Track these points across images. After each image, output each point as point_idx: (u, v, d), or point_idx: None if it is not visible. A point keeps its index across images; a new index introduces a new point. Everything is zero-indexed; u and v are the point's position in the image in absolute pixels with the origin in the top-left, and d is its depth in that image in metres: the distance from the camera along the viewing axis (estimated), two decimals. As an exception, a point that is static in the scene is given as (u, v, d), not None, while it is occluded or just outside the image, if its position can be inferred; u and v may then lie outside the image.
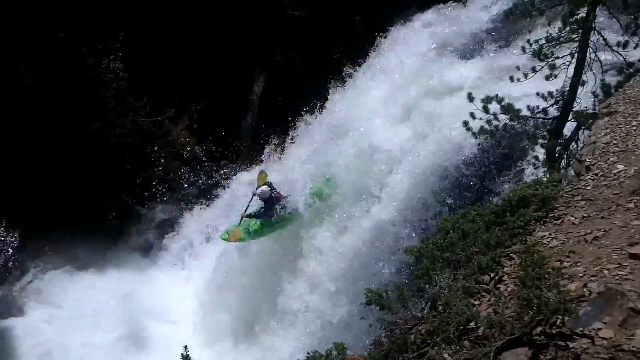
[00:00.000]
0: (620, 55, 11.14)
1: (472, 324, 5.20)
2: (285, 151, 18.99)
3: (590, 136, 8.39)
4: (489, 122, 11.24)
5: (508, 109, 11.08)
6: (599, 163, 7.31)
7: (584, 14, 10.80)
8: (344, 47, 19.90)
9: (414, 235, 13.03)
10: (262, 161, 19.78)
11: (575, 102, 11.20)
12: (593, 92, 11.07)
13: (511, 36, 15.26)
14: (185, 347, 6.55)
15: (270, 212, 15.20)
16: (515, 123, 11.21)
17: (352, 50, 19.46)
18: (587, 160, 7.53)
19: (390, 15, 18.85)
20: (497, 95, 11.13)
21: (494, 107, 11.16)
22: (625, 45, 11.01)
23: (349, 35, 20.11)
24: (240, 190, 19.17)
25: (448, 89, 14.99)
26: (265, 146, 20.04)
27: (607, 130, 8.04)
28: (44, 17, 16.15)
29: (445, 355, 5.07)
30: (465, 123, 11.45)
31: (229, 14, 19.28)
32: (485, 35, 16.32)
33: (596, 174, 7.09)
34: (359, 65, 18.30)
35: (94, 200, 17.65)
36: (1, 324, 16.07)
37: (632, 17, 11.03)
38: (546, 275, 4.84)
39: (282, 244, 15.65)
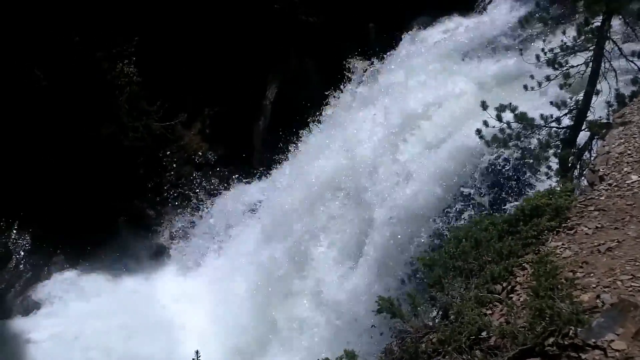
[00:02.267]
0: (635, 64, 11.10)
1: (484, 334, 5.17)
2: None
3: (604, 146, 8.36)
4: (502, 130, 11.21)
5: (521, 117, 11.05)
6: (613, 173, 7.28)
7: (599, 23, 10.77)
8: (358, 53, 19.95)
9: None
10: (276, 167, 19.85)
11: (589, 112, 11.16)
12: (607, 102, 11.02)
13: (525, 45, 15.22)
14: (197, 352, 6.57)
15: None
16: (529, 132, 11.19)
17: (365, 56, 19.56)
18: (601, 170, 7.50)
19: (405, 23, 18.90)
20: (510, 103, 11.10)
21: (507, 115, 11.14)
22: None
23: (362, 42, 20.14)
24: (252, 197, 19.29)
25: (458, 97, 15.04)
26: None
27: (621, 140, 8.01)
28: (60, 21, 16.26)
29: (457, 365, 5.06)
30: (479, 131, 11.43)
31: (243, 19, 19.34)
32: (499, 43, 16.29)
33: (610, 184, 7.06)
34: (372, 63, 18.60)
35: (105, 204, 17.70)
36: (12, 326, 16.17)
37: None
38: (559, 286, 4.82)
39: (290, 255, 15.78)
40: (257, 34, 19.49)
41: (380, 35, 19.72)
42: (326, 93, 19.59)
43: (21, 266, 17.21)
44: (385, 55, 18.80)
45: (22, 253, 17.28)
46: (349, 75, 19.65)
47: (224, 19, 19.16)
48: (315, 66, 20.16)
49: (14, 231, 17.17)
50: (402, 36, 18.72)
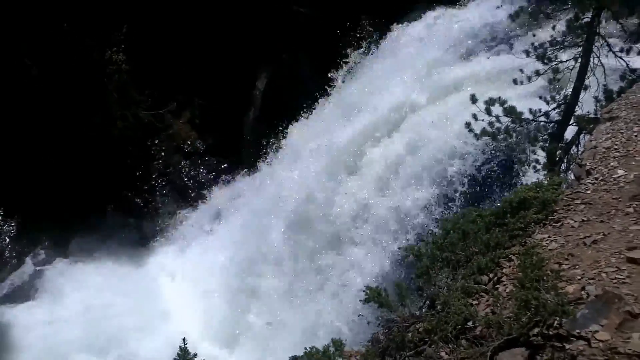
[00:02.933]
0: (624, 61, 11.18)
1: (470, 324, 5.23)
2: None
3: (591, 140, 8.41)
4: (491, 124, 11.28)
5: (510, 111, 11.12)
6: (600, 167, 7.34)
7: (588, 19, 10.84)
8: (350, 46, 19.98)
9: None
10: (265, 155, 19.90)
11: (577, 107, 11.25)
12: (595, 97, 11.11)
13: (515, 39, 15.29)
14: (184, 339, 6.59)
15: None
16: (517, 125, 11.26)
17: (358, 49, 19.63)
18: (588, 164, 7.55)
19: (397, 14, 18.94)
20: (499, 97, 11.17)
21: (496, 109, 11.22)
22: (628, 51, 11.09)
23: (354, 33, 20.17)
24: (241, 185, 19.32)
25: (449, 90, 15.13)
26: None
27: (609, 135, 8.06)
28: (49, 8, 16.16)
29: (443, 354, 5.10)
30: (468, 124, 11.50)
31: (235, 9, 19.28)
32: (490, 37, 16.35)
33: (596, 178, 7.12)
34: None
35: (93, 192, 17.64)
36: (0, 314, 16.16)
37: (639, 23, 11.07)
38: (545, 277, 4.87)
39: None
40: (249, 24, 19.44)
41: (372, 26, 19.77)
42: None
43: (6, 252, 17.12)
44: (376, 47, 18.93)
45: (7, 240, 17.19)
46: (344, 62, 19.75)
47: (215, 8, 19.09)
48: (307, 57, 20.15)
49: (0, 217, 17.10)
50: (391, 29, 18.82)
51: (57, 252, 17.81)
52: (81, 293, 16.66)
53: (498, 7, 16.81)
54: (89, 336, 15.41)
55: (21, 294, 16.79)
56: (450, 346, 5.10)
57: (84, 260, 17.77)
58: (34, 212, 17.03)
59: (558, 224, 6.36)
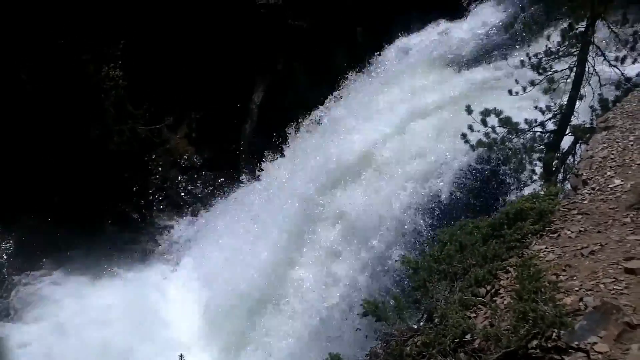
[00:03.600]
0: (619, 69, 11.20)
1: (468, 337, 5.19)
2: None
3: (587, 150, 8.41)
4: (487, 134, 11.28)
5: (506, 122, 11.13)
6: (596, 177, 7.33)
7: (583, 29, 10.86)
8: (346, 57, 20.01)
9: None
10: (261, 169, 19.88)
11: (573, 116, 11.25)
12: (591, 107, 11.12)
13: (510, 50, 15.33)
14: (181, 356, 6.56)
15: None
16: (513, 136, 11.26)
17: (353, 60, 19.65)
18: (584, 174, 7.55)
19: (392, 26, 19.01)
20: (495, 108, 11.18)
21: (492, 120, 11.22)
22: (623, 60, 11.09)
23: (351, 46, 20.21)
24: (238, 199, 19.31)
25: (443, 103, 15.17)
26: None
27: (605, 145, 8.06)
28: (45, 24, 16.18)
29: (441, 367, 5.08)
30: (464, 135, 11.51)
31: (230, 23, 19.34)
32: (484, 48, 16.41)
33: (593, 188, 7.11)
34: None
35: (91, 208, 17.64)
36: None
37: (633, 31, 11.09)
38: (542, 289, 4.84)
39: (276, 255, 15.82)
40: (244, 37, 19.51)
41: (368, 38, 19.82)
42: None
43: (4, 270, 17.07)
44: (371, 62, 19.00)
45: (5, 257, 17.15)
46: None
47: (211, 23, 19.15)
48: (303, 69, 20.18)
49: (-3, 234, 17.09)
50: (387, 47, 18.93)
51: (55, 267, 17.75)
52: (78, 309, 16.64)
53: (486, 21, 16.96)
54: (85, 352, 15.39)
55: (19, 311, 16.73)
56: (449, 359, 5.07)
57: (82, 275, 17.73)
58: (32, 229, 17.00)
59: (555, 235, 6.34)
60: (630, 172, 7.15)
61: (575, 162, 10.38)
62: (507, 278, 5.88)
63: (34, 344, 15.72)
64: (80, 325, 16.09)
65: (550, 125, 11.51)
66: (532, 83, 11.31)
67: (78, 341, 15.70)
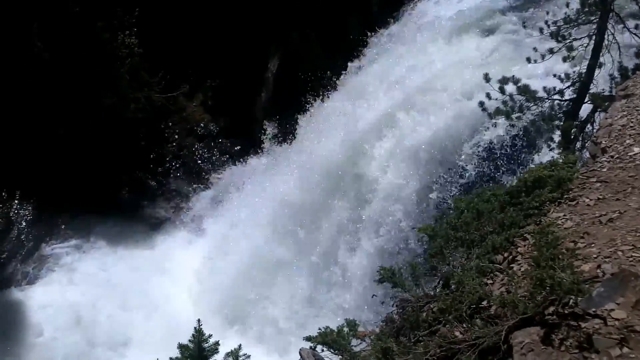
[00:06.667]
0: (639, 37, 11.06)
1: (484, 303, 5.22)
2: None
3: (606, 118, 8.33)
4: (504, 102, 11.21)
5: (524, 90, 11.04)
6: (615, 145, 7.27)
7: (602, -4, 10.73)
8: (361, 26, 19.85)
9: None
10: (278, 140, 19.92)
11: (592, 85, 11.15)
12: (610, 75, 11.02)
13: (529, 17, 15.16)
14: (199, 320, 6.63)
15: None
16: (532, 104, 11.18)
17: (368, 29, 19.51)
18: (603, 142, 7.48)
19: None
20: (513, 76, 11.09)
21: (510, 88, 11.14)
22: (644, 28, 10.95)
23: (365, 15, 20.05)
24: (251, 169, 19.40)
25: (463, 66, 15.06)
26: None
27: (624, 113, 7.98)
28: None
29: (457, 333, 5.09)
30: (481, 104, 11.44)
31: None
32: (503, 15, 16.23)
33: (612, 156, 7.05)
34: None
35: (107, 176, 17.76)
36: (14, 295, 16.36)
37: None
38: (560, 256, 4.83)
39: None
40: (259, 5, 19.37)
41: (383, 6, 19.65)
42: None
43: (23, 236, 17.25)
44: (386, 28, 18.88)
45: (24, 223, 17.30)
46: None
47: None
48: (318, 38, 20.05)
49: (16, 201, 17.21)
50: (403, 14, 18.74)
51: (72, 235, 17.95)
52: (95, 276, 17.03)
53: None
54: (100, 319, 15.69)
55: (36, 277, 16.97)
56: (465, 325, 5.09)
57: (100, 242, 17.95)
58: (49, 196, 17.12)
59: (573, 203, 6.31)
60: (649, 140, 7.09)
61: (594, 131, 10.29)
62: (525, 245, 5.87)
63: (49, 308, 16.03)
64: (95, 293, 16.44)
65: (569, 93, 11.41)
66: (551, 51, 11.19)
67: (92, 308, 16.11)
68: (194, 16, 18.69)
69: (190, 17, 18.63)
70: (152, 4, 17.70)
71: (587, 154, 8.27)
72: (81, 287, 16.60)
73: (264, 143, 20.41)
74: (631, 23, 11.31)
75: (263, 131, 20.54)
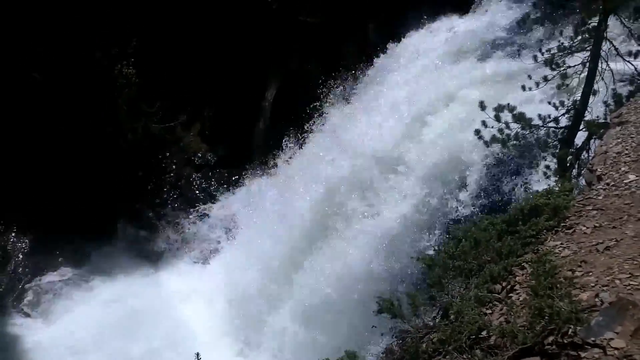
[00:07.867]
0: (632, 64, 11.16)
1: (484, 333, 5.22)
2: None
3: (601, 146, 8.39)
4: (500, 130, 11.26)
5: (519, 117, 11.10)
6: (611, 173, 7.32)
7: (595, 24, 10.83)
8: (356, 54, 19.98)
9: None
10: (275, 166, 19.88)
11: (586, 112, 11.22)
12: (604, 102, 11.07)
13: (523, 45, 15.27)
14: (197, 354, 6.60)
15: None
16: (527, 132, 11.24)
17: (363, 56, 19.63)
18: (599, 169, 7.54)
19: (404, 23, 18.96)
20: (508, 104, 11.16)
21: (505, 115, 11.20)
22: (636, 55, 11.03)
23: (361, 42, 20.20)
24: (252, 198, 19.39)
25: (455, 97, 15.13)
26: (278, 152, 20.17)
27: (619, 140, 8.05)
28: (58, 21, 16.29)
29: (457, 364, 5.10)
30: (477, 132, 11.49)
31: (242, 20, 19.37)
32: (497, 43, 16.35)
33: (607, 184, 7.11)
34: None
35: (105, 206, 17.74)
36: (11, 328, 16.23)
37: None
38: (558, 285, 4.86)
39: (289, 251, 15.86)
40: (256, 34, 19.53)
41: (379, 34, 19.79)
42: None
43: (20, 269, 17.19)
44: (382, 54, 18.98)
45: (21, 256, 17.26)
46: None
47: (222, 20, 19.19)
48: (315, 66, 20.17)
49: (13, 234, 17.19)
50: (401, 38, 18.86)
51: (70, 266, 17.84)
52: (93, 308, 16.78)
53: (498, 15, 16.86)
54: (99, 352, 15.50)
55: (33, 309, 16.85)
56: (465, 356, 5.09)
57: (97, 274, 17.83)
58: (47, 228, 17.10)
59: (570, 231, 6.35)
60: (644, 167, 7.14)
61: (590, 158, 10.34)
62: (523, 274, 5.89)
63: (46, 342, 15.80)
64: (93, 325, 16.14)
65: (564, 121, 11.48)
66: (546, 79, 11.28)
67: (90, 342, 15.79)
68: (191, 46, 18.82)
69: (187, 47, 18.76)
70: (150, 33, 17.82)
71: (583, 182, 8.32)
72: (80, 320, 16.39)
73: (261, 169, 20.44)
74: (624, 49, 11.41)
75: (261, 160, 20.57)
